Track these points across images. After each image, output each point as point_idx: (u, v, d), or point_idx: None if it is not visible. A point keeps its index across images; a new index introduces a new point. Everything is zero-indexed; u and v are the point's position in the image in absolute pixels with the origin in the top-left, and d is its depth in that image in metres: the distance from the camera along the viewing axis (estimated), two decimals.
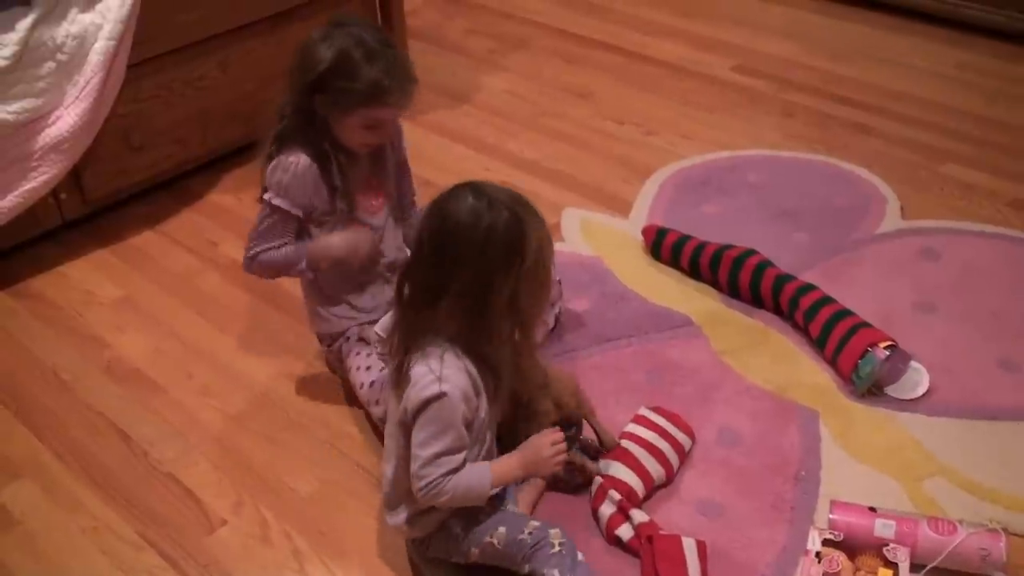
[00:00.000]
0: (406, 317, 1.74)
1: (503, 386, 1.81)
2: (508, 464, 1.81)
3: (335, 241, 2.15)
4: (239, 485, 2.14)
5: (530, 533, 1.77)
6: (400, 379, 1.74)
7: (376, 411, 2.14)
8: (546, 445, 1.82)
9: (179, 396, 2.37)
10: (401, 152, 2.30)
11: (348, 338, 2.25)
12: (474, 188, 1.68)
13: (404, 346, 1.74)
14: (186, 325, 2.58)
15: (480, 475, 1.75)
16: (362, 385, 2.17)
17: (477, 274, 1.65)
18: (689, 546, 1.83)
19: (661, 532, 1.87)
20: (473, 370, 1.72)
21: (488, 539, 1.80)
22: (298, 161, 2.08)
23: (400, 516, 1.84)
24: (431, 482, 1.70)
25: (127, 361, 2.48)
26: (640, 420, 2.11)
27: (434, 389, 1.67)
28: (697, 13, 4.16)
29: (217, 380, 2.41)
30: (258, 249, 2.15)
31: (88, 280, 2.77)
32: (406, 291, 1.73)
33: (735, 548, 1.92)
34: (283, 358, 2.46)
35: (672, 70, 3.73)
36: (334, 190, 2.13)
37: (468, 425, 1.72)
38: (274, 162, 2.10)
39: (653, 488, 2.02)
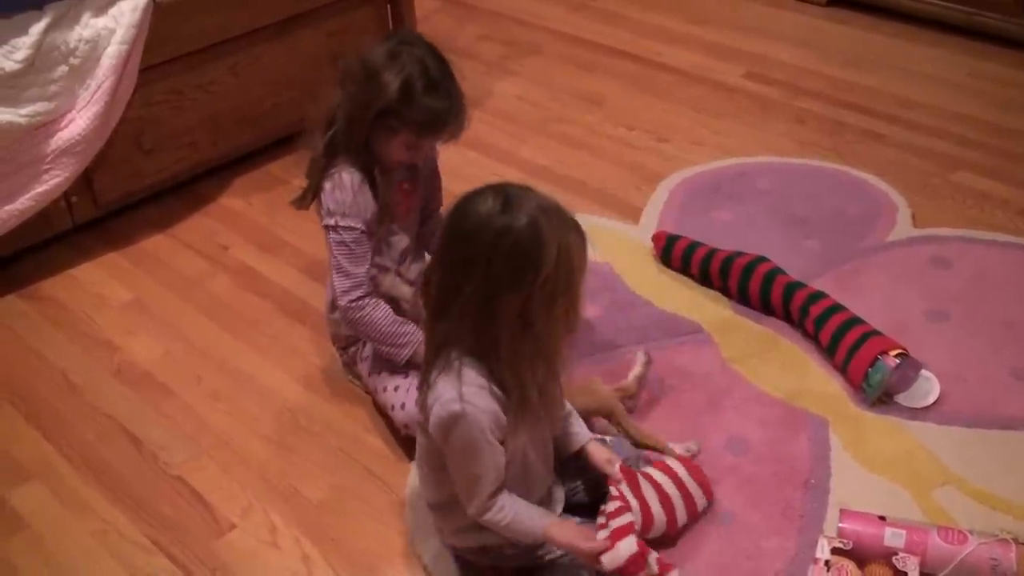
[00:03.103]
0: (429, 321, 1.70)
1: (526, 408, 1.68)
2: (563, 533, 1.76)
3: None
4: (249, 490, 2.14)
5: None
6: (426, 389, 1.70)
7: (399, 416, 2.14)
8: (593, 553, 1.73)
9: (189, 400, 2.37)
10: (434, 159, 2.32)
11: (365, 343, 2.25)
12: (497, 189, 1.61)
13: (432, 352, 1.69)
14: (196, 329, 2.59)
15: (537, 522, 1.75)
16: (385, 389, 2.18)
17: (482, 281, 1.57)
18: None
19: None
20: (497, 388, 1.64)
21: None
22: (352, 177, 2.10)
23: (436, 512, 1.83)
24: (484, 501, 1.69)
25: (137, 364, 2.48)
26: (659, 465, 1.99)
27: (455, 408, 1.62)
28: (709, 20, 4.15)
29: (227, 384, 2.41)
30: (359, 294, 2.11)
31: (98, 283, 2.77)
32: (429, 294, 1.68)
33: (744, 556, 1.91)
34: (294, 362, 2.46)
35: (684, 77, 3.72)
36: (376, 199, 2.15)
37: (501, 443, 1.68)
38: (329, 183, 2.11)
39: (650, 530, 1.88)
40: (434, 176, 2.35)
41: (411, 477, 2.13)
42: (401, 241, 2.26)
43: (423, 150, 2.16)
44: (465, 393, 1.62)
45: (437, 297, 1.65)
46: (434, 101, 2.03)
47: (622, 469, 1.89)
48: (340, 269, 2.12)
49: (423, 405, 1.72)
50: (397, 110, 2.03)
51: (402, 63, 2.02)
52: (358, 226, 2.11)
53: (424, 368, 1.72)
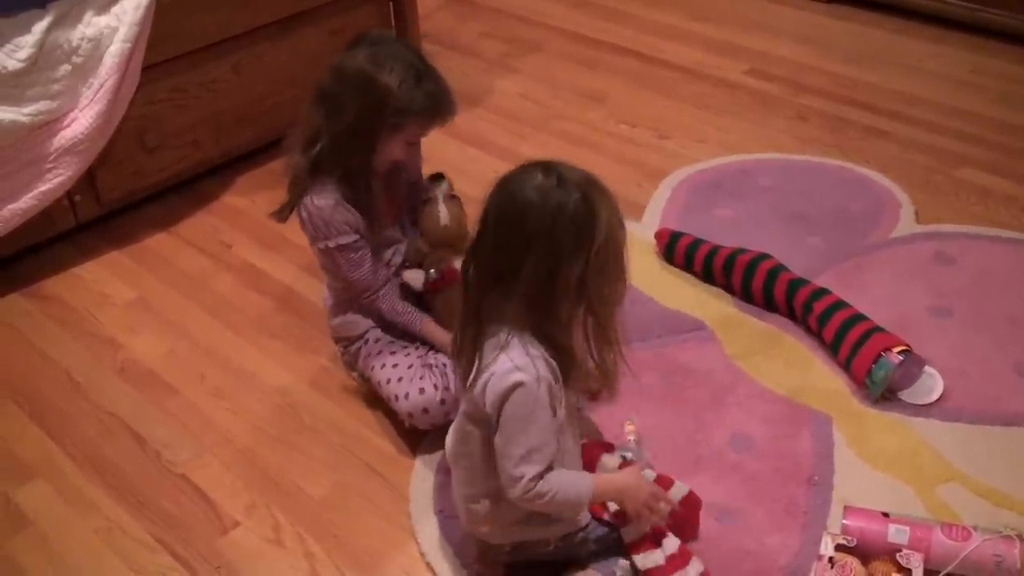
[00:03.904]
0: (473, 302, 1.67)
1: (577, 374, 1.71)
2: (608, 482, 1.78)
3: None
4: (252, 487, 2.14)
5: None
6: (474, 372, 1.68)
7: (403, 406, 2.13)
8: (650, 495, 1.78)
9: (192, 398, 2.38)
10: (417, 171, 2.36)
11: (367, 340, 2.26)
12: (544, 166, 1.63)
13: (474, 335, 1.68)
14: (199, 327, 2.59)
15: (583, 484, 1.73)
16: (388, 381, 2.17)
17: (544, 256, 1.58)
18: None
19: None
20: (550, 357, 1.65)
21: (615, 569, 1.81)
22: (325, 201, 2.11)
23: (483, 506, 1.79)
24: (529, 480, 1.65)
25: (140, 363, 2.49)
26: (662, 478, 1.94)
27: (515, 378, 1.61)
28: (711, 17, 4.15)
29: (230, 382, 2.42)
30: (377, 288, 2.19)
31: (102, 282, 2.77)
32: (471, 274, 1.67)
33: (748, 553, 1.91)
34: (297, 360, 2.47)
35: (686, 74, 3.72)
36: (361, 211, 2.16)
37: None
38: (304, 212, 2.13)
39: None
40: (417, 189, 2.39)
41: (414, 475, 2.13)
42: (395, 254, 2.29)
43: (419, 145, 2.21)
44: (522, 364, 1.62)
45: (487, 278, 1.64)
46: (428, 86, 2.08)
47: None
48: (354, 276, 2.18)
49: (471, 389, 1.69)
50: (402, 107, 2.05)
51: (389, 63, 2.05)
52: (347, 240, 2.14)
53: (465, 351, 1.70)
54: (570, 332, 1.67)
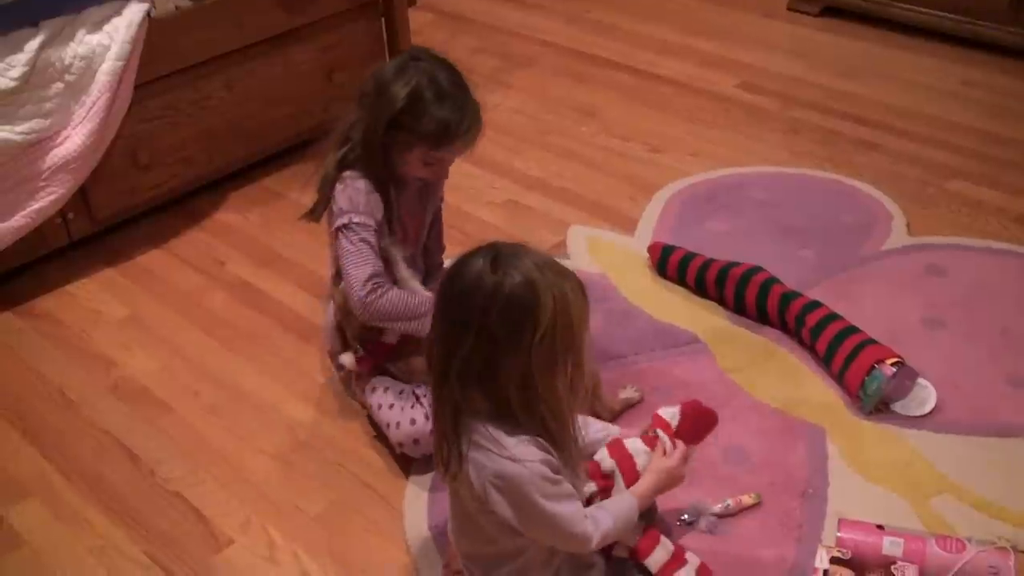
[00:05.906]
0: (434, 388, 1.61)
1: (571, 446, 1.64)
2: (645, 487, 1.78)
3: None
4: (246, 504, 2.14)
5: None
6: (459, 469, 1.60)
7: (394, 435, 2.13)
8: (678, 463, 1.81)
9: (186, 415, 2.37)
10: (439, 200, 2.34)
11: None
12: (488, 248, 1.56)
13: (446, 423, 1.60)
14: (193, 344, 2.59)
15: (629, 504, 1.73)
16: (380, 407, 2.17)
17: (480, 342, 1.51)
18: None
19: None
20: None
21: None
22: (363, 183, 2.09)
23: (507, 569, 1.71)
24: (592, 532, 1.64)
25: (134, 380, 2.48)
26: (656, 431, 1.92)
27: (509, 468, 1.55)
28: (703, 31, 4.17)
29: (224, 399, 2.41)
30: (377, 281, 2.05)
31: (95, 299, 2.77)
32: (431, 358, 1.61)
33: (743, 566, 1.91)
34: (290, 377, 2.46)
35: (678, 88, 3.74)
36: (387, 214, 2.14)
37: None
38: (340, 185, 2.10)
39: None
40: (437, 219, 2.36)
41: (409, 491, 2.13)
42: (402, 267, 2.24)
43: (443, 165, 2.15)
44: (516, 453, 1.56)
45: (437, 362, 1.58)
46: (443, 111, 2.03)
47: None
48: (354, 266, 2.06)
49: (458, 473, 1.62)
50: (407, 122, 2.03)
51: (410, 75, 2.03)
52: (371, 223, 2.08)
53: (443, 434, 1.62)
54: (530, 420, 1.57)
